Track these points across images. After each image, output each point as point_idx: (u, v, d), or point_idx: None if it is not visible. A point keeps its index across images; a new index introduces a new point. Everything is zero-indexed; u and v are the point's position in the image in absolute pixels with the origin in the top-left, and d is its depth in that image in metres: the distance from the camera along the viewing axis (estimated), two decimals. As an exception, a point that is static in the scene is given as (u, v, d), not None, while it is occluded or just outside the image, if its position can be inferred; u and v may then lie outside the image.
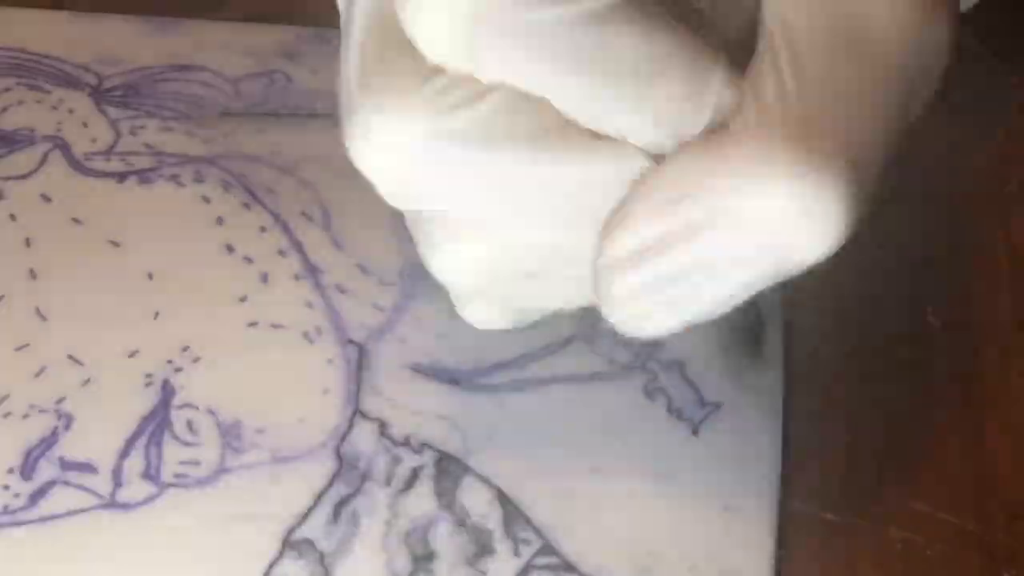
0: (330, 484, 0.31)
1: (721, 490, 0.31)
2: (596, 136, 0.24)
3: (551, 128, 0.24)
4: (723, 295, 0.24)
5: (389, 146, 0.24)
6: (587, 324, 0.34)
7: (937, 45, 0.25)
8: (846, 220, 0.23)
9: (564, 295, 0.27)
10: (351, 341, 0.33)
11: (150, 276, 0.34)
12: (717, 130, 0.23)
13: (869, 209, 0.24)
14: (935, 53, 0.25)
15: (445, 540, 0.30)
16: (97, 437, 0.32)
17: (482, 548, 0.30)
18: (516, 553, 0.30)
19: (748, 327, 0.34)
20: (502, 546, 0.30)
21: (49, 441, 0.32)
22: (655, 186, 0.24)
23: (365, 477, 0.31)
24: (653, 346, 0.33)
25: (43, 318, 0.34)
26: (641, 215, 0.24)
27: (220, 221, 0.35)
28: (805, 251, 0.23)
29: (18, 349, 0.33)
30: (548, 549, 0.30)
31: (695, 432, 0.32)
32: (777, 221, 0.23)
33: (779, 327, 0.34)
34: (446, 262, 0.27)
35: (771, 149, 0.23)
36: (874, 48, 0.24)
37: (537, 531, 0.30)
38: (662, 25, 0.24)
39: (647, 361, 0.33)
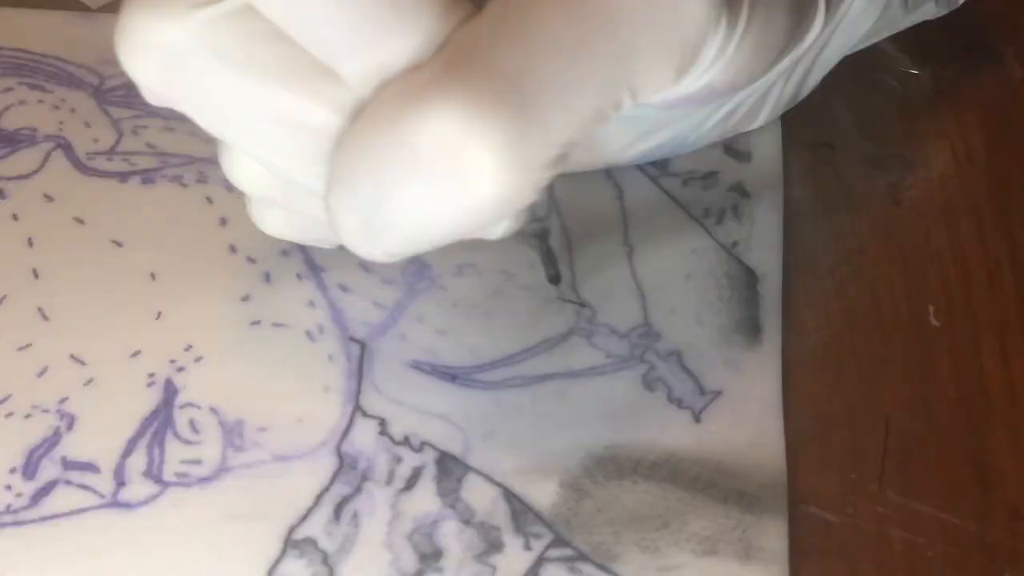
0: (331, 483, 0.31)
1: (728, 475, 0.31)
2: (325, 77, 0.25)
3: (284, 59, 0.25)
4: (409, 227, 0.25)
5: (142, 46, 0.26)
6: (585, 319, 0.34)
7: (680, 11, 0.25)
8: (510, 157, 0.24)
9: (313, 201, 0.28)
10: (352, 339, 0.33)
11: (153, 276, 0.34)
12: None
13: (553, 154, 0.24)
14: (674, 22, 0.25)
15: (452, 538, 0.30)
16: (99, 437, 0.32)
17: (491, 544, 0.30)
18: (527, 547, 0.30)
19: (747, 317, 0.34)
20: (512, 541, 0.30)
21: (51, 441, 0.32)
22: (363, 114, 0.25)
23: (365, 476, 0.31)
24: (650, 338, 0.34)
25: (45, 318, 0.34)
26: (350, 138, 0.25)
27: (223, 222, 0.35)
28: (472, 183, 0.24)
29: (20, 349, 0.33)
30: (560, 541, 0.30)
31: (697, 420, 0.32)
32: (439, 150, 0.23)
33: (778, 317, 0.34)
34: (229, 165, 0.29)
35: (437, 82, 0.24)
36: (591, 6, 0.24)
37: (547, 524, 0.31)
38: None
39: (645, 352, 0.33)
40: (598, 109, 0.25)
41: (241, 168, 0.28)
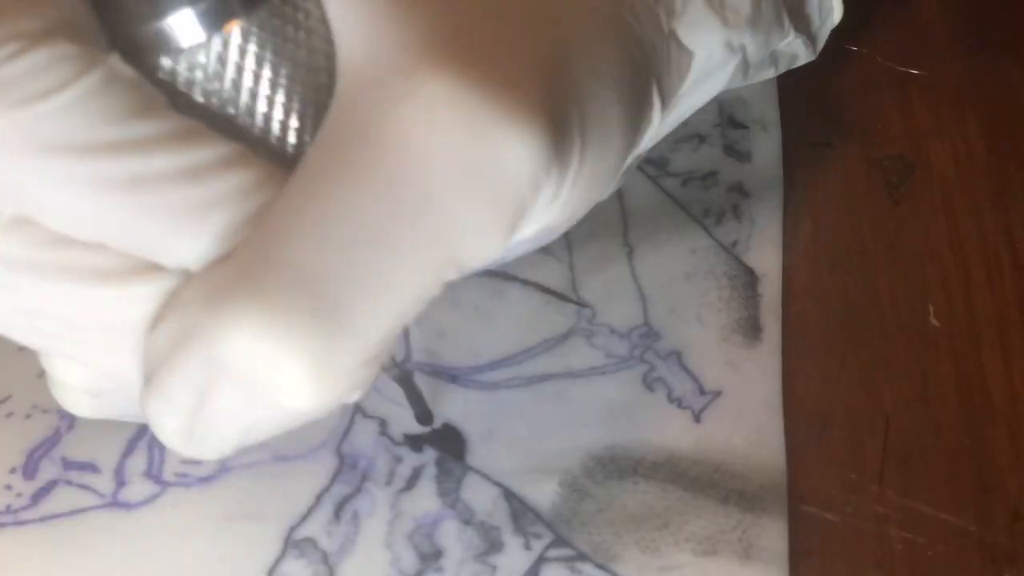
0: (331, 483, 0.31)
1: (728, 475, 0.31)
2: (128, 272, 0.23)
3: (78, 260, 0.23)
4: (224, 434, 0.24)
5: None
6: (585, 319, 0.34)
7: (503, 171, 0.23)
8: (319, 366, 0.22)
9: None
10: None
11: (152, 276, 0.34)
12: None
13: (369, 353, 0.23)
14: (498, 183, 0.23)
15: (452, 538, 0.30)
16: (99, 437, 0.32)
17: (491, 544, 0.30)
18: (527, 547, 0.30)
19: (747, 317, 0.34)
20: (512, 541, 0.30)
21: (51, 441, 0.32)
22: (166, 311, 0.23)
23: (365, 476, 0.31)
24: (650, 338, 0.34)
25: (46, 318, 0.34)
26: (155, 338, 0.23)
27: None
28: (284, 394, 0.22)
29: (21, 349, 0.33)
30: (560, 541, 0.30)
31: (697, 420, 0.32)
32: (243, 363, 0.22)
33: (778, 317, 0.34)
34: (44, 363, 0.26)
35: (232, 291, 0.22)
36: None
37: (547, 524, 0.31)
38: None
39: (645, 352, 0.33)
40: (418, 295, 0.23)
41: (60, 372, 0.26)
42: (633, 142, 0.27)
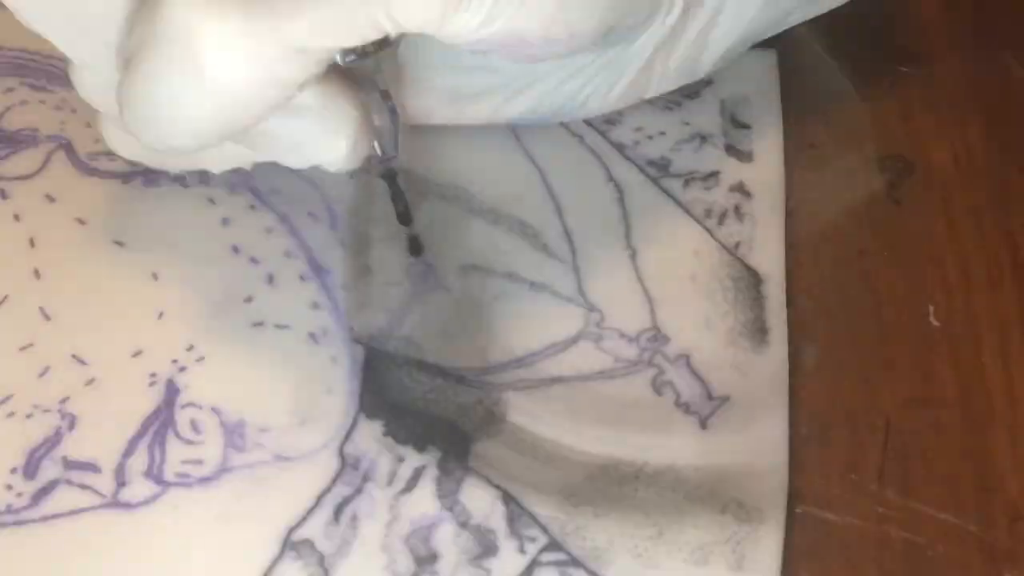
0: (332, 484, 0.31)
1: (729, 484, 0.31)
2: None
3: None
4: (171, 112, 0.27)
5: None
6: (593, 323, 0.34)
7: None
8: (239, 38, 0.25)
9: None
10: (356, 341, 0.33)
11: (155, 276, 0.34)
12: None
13: (290, 44, 0.26)
14: None
15: (448, 542, 0.30)
16: (100, 436, 0.32)
17: (486, 548, 0.30)
18: (521, 550, 0.30)
19: (753, 319, 0.34)
20: (507, 544, 0.30)
21: (52, 441, 0.32)
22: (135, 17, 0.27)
23: (366, 478, 0.31)
24: (659, 341, 0.34)
25: (47, 318, 0.34)
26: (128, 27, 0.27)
27: (226, 222, 0.35)
28: (209, 62, 0.26)
29: (22, 349, 0.33)
30: (554, 545, 0.30)
31: (704, 426, 0.32)
32: (179, 32, 0.26)
33: (783, 319, 0.34)
34: (73, 77, 0.31)
35: None
36: None
37: (543, 528, 0.31)
38: None
39: (654, 356, 0.33)
40: (346, 20, 0.26)
41: (84, 81, 0.30)
42: (632, 5, 0.30)
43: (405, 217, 0.34)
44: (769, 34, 0.36)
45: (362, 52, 0.28)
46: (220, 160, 0.33)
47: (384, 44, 0.28)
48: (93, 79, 0.30)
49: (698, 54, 0.34)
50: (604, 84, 0.34)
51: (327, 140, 0.29)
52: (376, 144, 0.31)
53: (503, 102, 0.34)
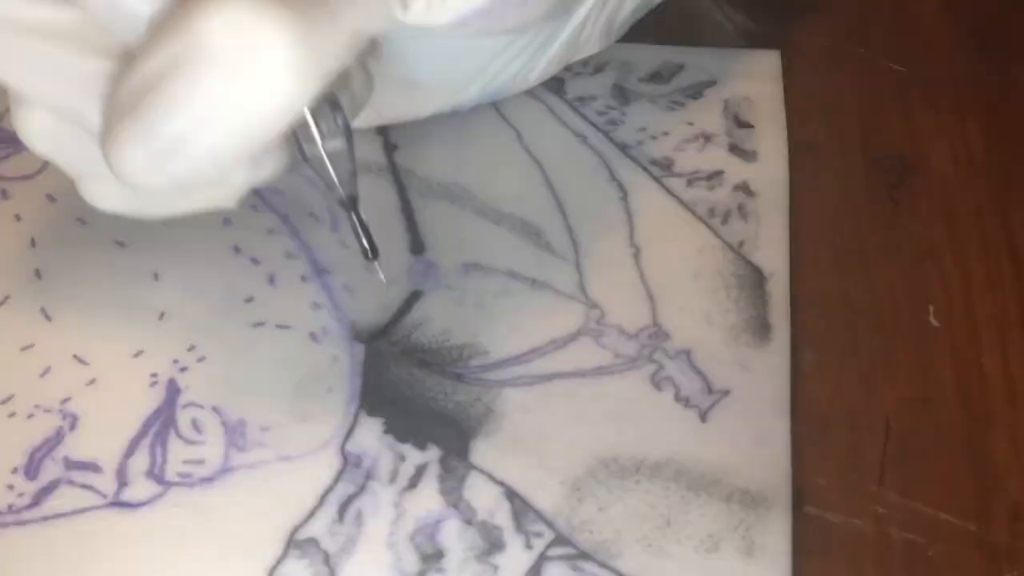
0: (335, 483, 0.31)
1: (732, 473, 0.31)
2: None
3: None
4: (216, 138, 0.25)
5: None
6: (593, 319, 0.34)
7: None
8: (301, 46, 0.24)
9: None
10: (357, 340, 0.33)
11: (156, 276, 0.34)
12: None
13: (341, 45, 0.25)
14: None
15: (454, 538, 0.30)
16: (102, 436, 0.32)
17: (492, 544, 0.30)
18: (528, 546, 0.30)
19: (756, 316, 0.34)
20: (513, 540, 0.30)
21: (54, 441, 0.32)
22: (146, 39, 0.25)
23: (369, 475, 0.31)
24: (659, 338, 0.34)
25: (48, 318, 0.34)
26: (134, 62, 0.25)
27: (227, 223, 0.35)
28: (265, 74, 0.24)
29: (23, 349, 0.33)
30: (561, 540, 0.30)
31: (703, 419, 0.32)
32: (231, 45, 0.24)
33: (786, 316, 0.34)
34: (19, 126, 0.28)
35: None
36: None
37: (549, 523, 0.31)
38: None
39: (654, 352, 0.33)
40: (382, 6, 0.26)
41: (27, 124, 0.28)
42: None
43: (372, 250, 0.31)
44: None
45: None
46: (206, 200, 0.30)
47: None
48: (48, 127, 0.28)
49: (614, 14, 0.35)
50: (546, 46, 0.34)
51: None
52: (331, 168, 0.30)
53: (459, 90, 0.35)
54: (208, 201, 0.30)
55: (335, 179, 0.30)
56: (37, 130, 0.28)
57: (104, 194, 0.30)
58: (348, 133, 0.30)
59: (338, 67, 0.25)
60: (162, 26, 0.25)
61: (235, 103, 0.24)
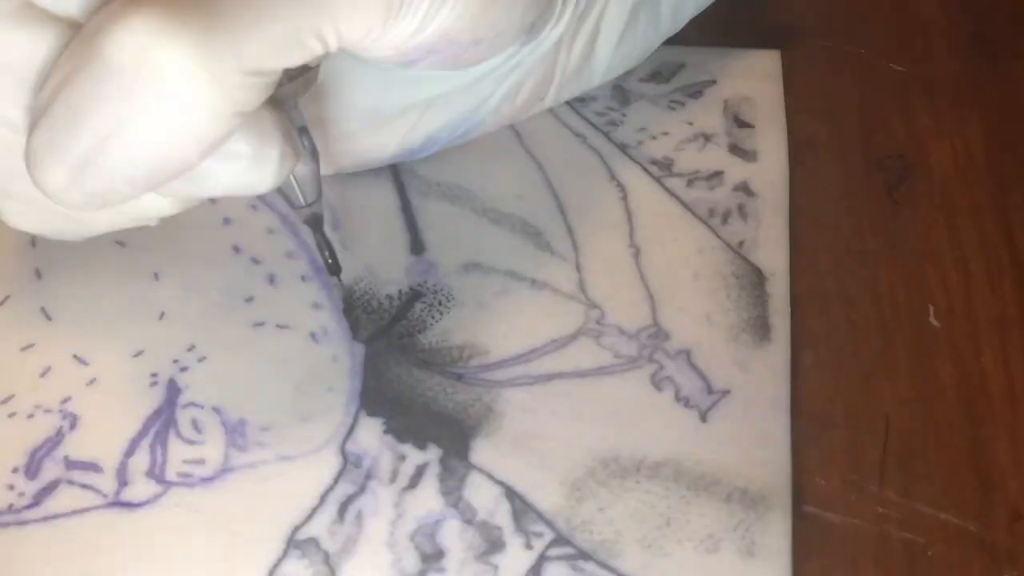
0: (335, 483, 0.31)
1: (732, 473, 0.31)
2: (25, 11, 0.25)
3: None
4: (106, 149, 0.24)
5: None
6: (593, 320, 0.34)
7: None
8: (195, 64, 0.24)
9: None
10: (357, 340, 0.33)
11: (156, 276, 0.34)
12: None
13: (244, 69, 0.25)
14: None
15: (454, 538, 0.30)
16: (102, 436, 0.32)
17: (492, 544, 0.30)
18: (528, 546, 0.30)
19: (756, 316, 0.34)
20: (513, 540, 0.30)
21: (54, 440, 0.32)
22: (61, 58, 0.25)
23: (369, 475, 0.31)
24: (659, 338, 0.34)
25: (48, 318, 0.34)
26: (50, 73, 0.25)
27: (227, 222, 0.35)
28: (159, 90, 0.24)
29: (23, 349, 0.33)
30: (561, 540, 0.30)
31: (703, 419, 0.32)
32: (129, 58, 0.24)
33: (787, 316, 0.34)
34: None
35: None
36: None
37: (549, 523, 0.31)
38: None
39: (654, 352, 0.33)
40: (296, 35, 0.25)
41: None
42: None
43: (334, 267, 0.32)
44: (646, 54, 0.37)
45: (289, 75, 0.28)
46: (131, 217, 0.30)
47: (306, 67, 0.28)
48: None
49: (588, 54, 0.35)
50: (513, 86, 0.34)
51: (256, 173, 0.27)
52: (297, 189, 0.30)
53: (421, 116, 0.34)
54: (126, 219, 0.30)
55: (302, 200, 0.30)
56: None
57: (19, 212, 0.29)
58: (315, 155, 0.30)
59: (254, 101, 0.25)
60: (75, 38, 0.25)
61: (138, 123, 0.24)
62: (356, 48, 0.27)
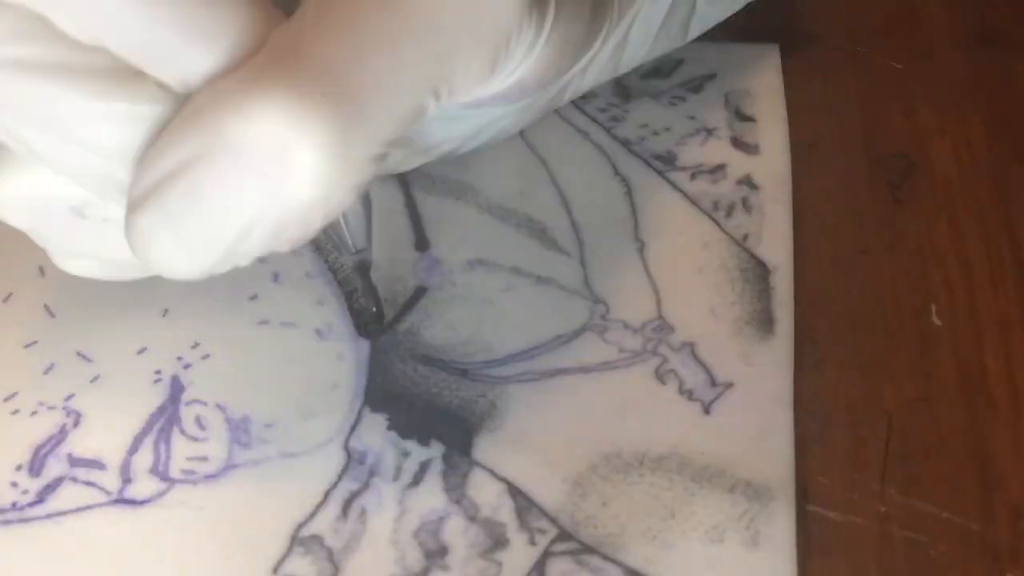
0: (338, 479, 0.31)
1: (736, 465, 0.31)
2: (116, 73, 0.24)
3: (68, 59, 0.24)
4: (228, 234, 0.24)
5: None
6: (598, 315, 0.34)
7: (494, 7, 0.26)
8: (334, 153, 0.23)
9: (117, 240, 0.26)
10: (361, 336, 0.33)
11: (160, 273, 0.34)
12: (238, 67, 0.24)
13: (375, 151, 0.24)
14: (489, 17, 0.26)
15: (457, 535, 0.30)
16: (106, 434, 0.32)
17: (496, 541, 0.30)
18: (532, 542, 0.30)
19: (760, 309, 0.34)
20: (517, 537, 0.30)
21: (57, 438, 0.32)
22: (171, 123, 0.24)
23: (372, 472, 0.31)
24: (664, 331, 0.34)
25: (51, 315, 0.34)
26: (156, 149, 0.24)
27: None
28: (295, 180, 0.23)
29: (27, 346, 0.33)
30: (565, 535, 0.30)
31: (707, 412, 0.32)
32: (262, 146, 0.23)
33: (790, 309, 0.34)
34: None
35: (260, 77, 0.23)
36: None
37: (552, 519, 0.31)
38: None
39: (658, 346, 0.33)
40: (418, 104, 0.25)
41: (11, 190, 0.27)
42: (596, 28, 0.30)
43: (380, 316, 0.31)
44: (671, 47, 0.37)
45: None
46: None
47: None
48: (32, 199, 0.27)
49: (609, 74, 0.35)
50: (521, 109, 0.33)
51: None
52: (347, 234, 0.30)
53: (462, 138, 0.34)
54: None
55: (351, 245, 0.30)
56: (18, 197, 0.27)
57: (83, 267, 0.29)
58: (367, 200, 0.30)
59: (376, 170, 0.25)
60: (188, 116, 0.24)
61: (258, 203, 0.24)
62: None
